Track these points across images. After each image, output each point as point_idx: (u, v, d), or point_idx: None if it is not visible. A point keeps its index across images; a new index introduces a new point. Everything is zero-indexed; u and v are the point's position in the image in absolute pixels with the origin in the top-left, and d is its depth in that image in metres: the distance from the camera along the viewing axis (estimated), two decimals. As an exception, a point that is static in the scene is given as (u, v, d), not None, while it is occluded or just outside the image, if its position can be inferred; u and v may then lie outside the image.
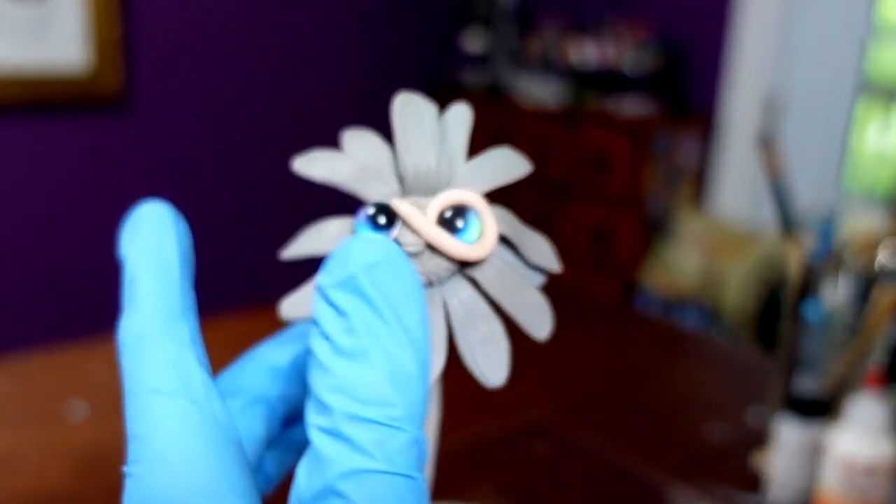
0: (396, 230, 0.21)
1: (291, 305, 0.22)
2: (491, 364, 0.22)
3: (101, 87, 1.82)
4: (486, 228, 0.22)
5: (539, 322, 0.23)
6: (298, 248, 0.22)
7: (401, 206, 0.22)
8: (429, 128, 0.23)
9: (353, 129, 0.24)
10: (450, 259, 0.22)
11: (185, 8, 1.97)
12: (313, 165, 0.23)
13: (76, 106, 1.83)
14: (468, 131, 0.24)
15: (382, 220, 0.21)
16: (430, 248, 0.22)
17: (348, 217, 0.23)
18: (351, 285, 0.16)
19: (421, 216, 0.21)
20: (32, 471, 0.61)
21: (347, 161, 0.23)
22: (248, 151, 2.14)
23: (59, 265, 1.89)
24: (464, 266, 0.22)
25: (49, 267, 1.88)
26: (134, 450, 0.16)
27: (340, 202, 0.24)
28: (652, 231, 2.02)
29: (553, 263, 0.24)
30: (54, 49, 1.73)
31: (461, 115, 0.24)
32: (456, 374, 0.25)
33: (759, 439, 0.71)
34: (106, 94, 1.84)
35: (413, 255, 0.21)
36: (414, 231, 0.21)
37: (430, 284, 0.22)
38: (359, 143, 0.24)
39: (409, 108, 0.23)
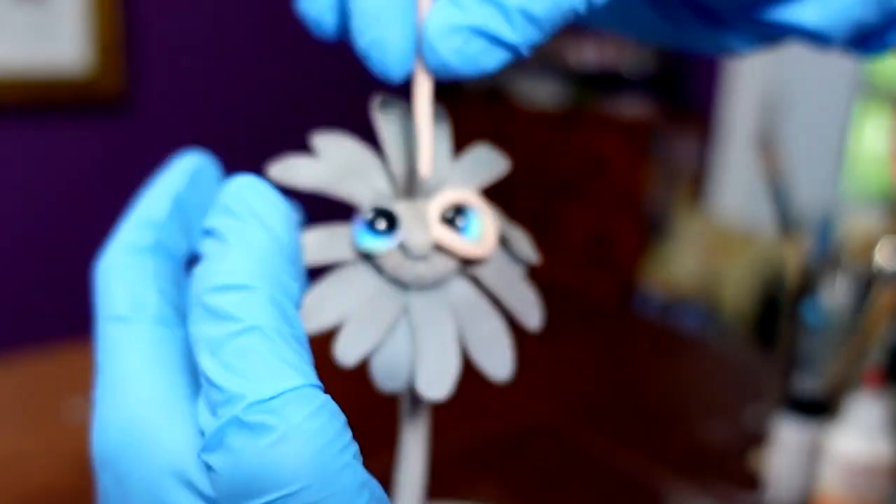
0: (400, 234, 0.21)
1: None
2: (496, 361, 0.22)
3: (103, 89, 1.82)
4: (486, 226, 0.22)
5: (533, 314, 0.23)
6: None
7: (403, 209, 0.21)
8: (413, 128, 0.23)
9: (322, 133, 0.24)
10: (456, 259, 0.22)
11: (186, 10, 1.97)
12: (292, 171, 0.22)
13: (78, 108, 1.83)
14: (450, 130, 0.24)
15: (382, 224, 0.21)
16: (437, 249, 0.22)
17: (329, 225, 0.22)
18: (220, 208, 0.18)
19: (426, 218, 0.21)
20: (32, 471, 0.61)
21: (327, 164, 0.23)
22: (249, 153, 2.14)
23: (60, 266, 1.89)
24: (465, 265, 0.22)
25: (50, 268, 1.88)
26: (97, 378, 0.18)
27: (339, 200, 0.23)
28: (651, 231, 2.02)
29: (534, 256, 0.24)
30: (56, 51, 1.73)
31: (440, 114, 0.24)
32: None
33: (757, 439, 0.71)
34: (107, 96, 1.84)
35: (420, 258, 0.21)
36: (420, 233, 0.21)
37: (435, 286, 0.22)
38: (334, 145, 0.23)
39: (390, 109, 0.23)
